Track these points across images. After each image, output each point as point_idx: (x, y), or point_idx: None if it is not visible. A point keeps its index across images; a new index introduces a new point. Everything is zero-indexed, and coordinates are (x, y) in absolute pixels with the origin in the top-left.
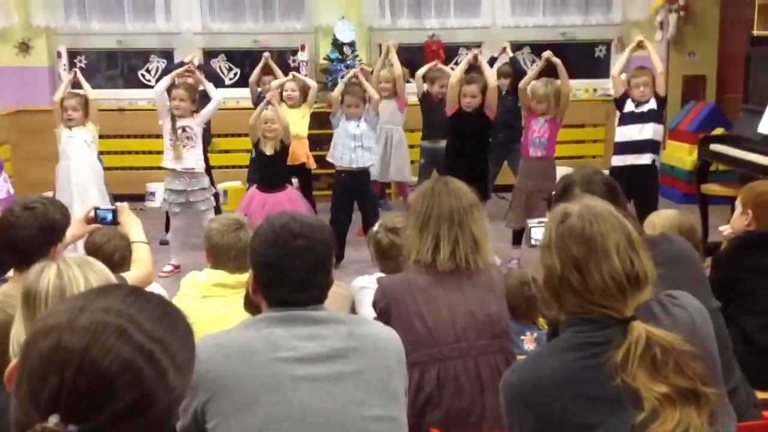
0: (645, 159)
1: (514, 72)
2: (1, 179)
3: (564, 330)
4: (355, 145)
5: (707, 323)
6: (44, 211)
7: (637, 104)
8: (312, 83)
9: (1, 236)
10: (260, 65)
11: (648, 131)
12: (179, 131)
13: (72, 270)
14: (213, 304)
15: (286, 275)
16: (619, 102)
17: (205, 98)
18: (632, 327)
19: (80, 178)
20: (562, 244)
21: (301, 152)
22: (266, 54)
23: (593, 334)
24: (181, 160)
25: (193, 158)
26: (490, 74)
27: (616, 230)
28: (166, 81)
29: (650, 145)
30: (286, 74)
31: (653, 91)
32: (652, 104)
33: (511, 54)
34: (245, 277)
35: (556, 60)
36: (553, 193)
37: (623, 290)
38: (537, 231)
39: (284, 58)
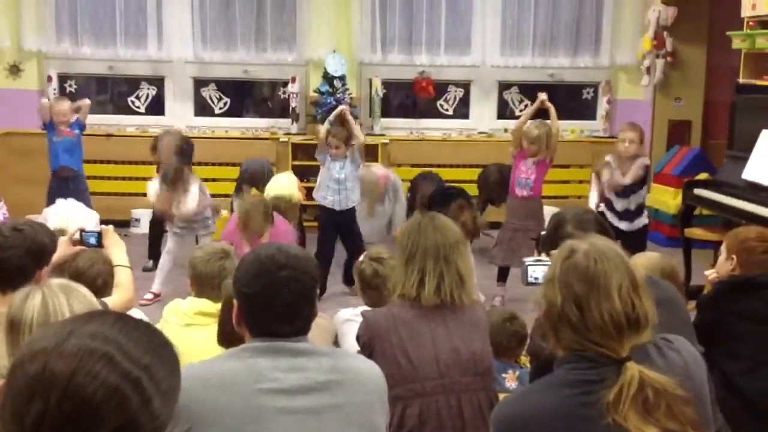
0: (639, 224)
1: None
2: None
3: (559, 366)
4: (339, 188)
5: (701, 369)
6: (33, 234)
7: (617, 197)
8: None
9: None
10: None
11: (634, 200)
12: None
13: (57, 297)
14: (195, 333)
15: (271, 306)
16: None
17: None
18: (626, 367)
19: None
20: (565, 280)
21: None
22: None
23: (587, 372)
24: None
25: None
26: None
27: (621, 271)
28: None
29: (639, 212)
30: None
31: (638, 149)
32: (632, 202)
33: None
34: None
35: (549, 104)
36: (543, 232)
37: (621, 330)
38: (534, 269)
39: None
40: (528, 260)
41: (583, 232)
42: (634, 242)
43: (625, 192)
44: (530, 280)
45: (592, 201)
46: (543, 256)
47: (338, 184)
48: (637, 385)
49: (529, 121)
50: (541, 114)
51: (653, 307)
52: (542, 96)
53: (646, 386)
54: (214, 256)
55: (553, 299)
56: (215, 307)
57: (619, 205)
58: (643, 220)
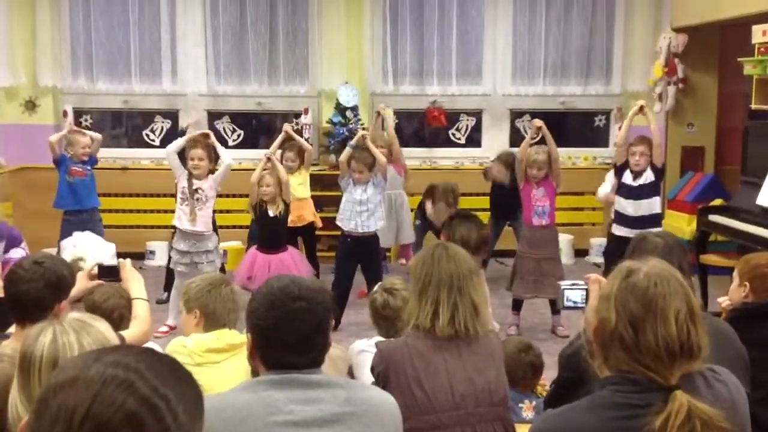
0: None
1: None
2: (21, 248)
3: (603, 387)
4: (361, 210)
5: (745, 403)
6: (53, 266)
7: (635, 177)
8: (308, 146)
9: (8, 289)
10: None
11: (647, 206)
12: (193, 193)
13: (67, 335)
14: (208, 372)
15: (285, 338)
16: (619, 169)
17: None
18: (674, 395)
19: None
20: (622, 299)
21: (307, 212)
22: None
23: (633, 396)
24: (194, 223)
25: (203, 221)
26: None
27: (679, 297)
28: (178, 142)
29: (655, 221)
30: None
31: (649, 162)
32: (650, 176)
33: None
34: (236, 338)
35: (546, 131)
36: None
37: (673, 357)
38: (571, 293)
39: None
40: (564, 284)
41: (668, 253)
42: None
43: (637, 193)
44: (567, 303)
45: (603, 190)
46: (578, 280)
47: (361, 205)
48: (685, 415)
49: (531, 149)
50: (539, 141)
51: (706, 338)
52: (538, 123)
53: (694, 417)
54: (215, 285)
55: (607, 317)
56: (224, 341)
57: (631, 208)
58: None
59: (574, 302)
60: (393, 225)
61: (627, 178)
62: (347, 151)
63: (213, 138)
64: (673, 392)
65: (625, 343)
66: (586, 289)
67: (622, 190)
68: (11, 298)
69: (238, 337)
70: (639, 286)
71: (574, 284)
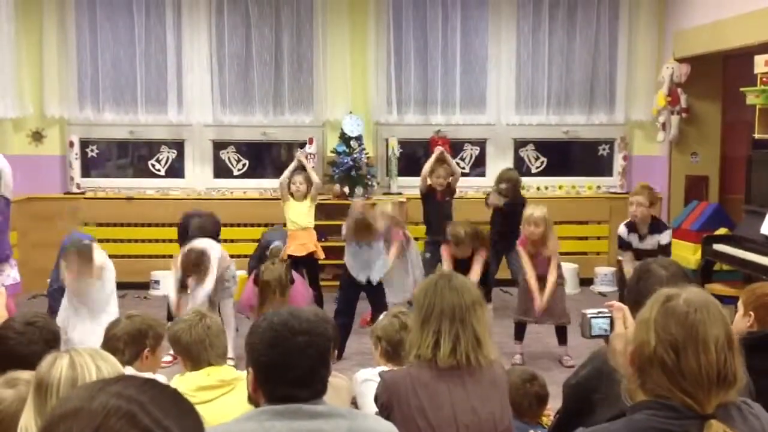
0: None
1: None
2: (10, 265)
3: (638, 411)
4: (362, 266)
5: None
6: (45, 324)
7: (641, 238)
8: (315, 179)
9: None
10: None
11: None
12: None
13: (84, 359)
14: (203, 411)
15: (289, 374)
16: (623, 243)
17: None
18: (710, 424)
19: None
20: (663, 323)
21: (309, 242)
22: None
23: (670, 422)
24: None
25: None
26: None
27: (719, 325)
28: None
29: (665, 250)
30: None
31: (649, 215)
32: (655, 238)
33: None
34: (229, 374)
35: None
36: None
37: (711, 385)
38: (598, 321)
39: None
40: (589, 312)
41: (674, 282)
42: None
43: (646, 252)
44: (595, 332)
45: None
46: (603, 308)
47: (364, 261)
48: None
49: (529, 206)
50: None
51: (742, 367)
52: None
53: None
54: (193, 322)
55: (646, 340)
56: (215, 378)
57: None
58: None
59: (606, 330)
60: (409, 279)
61: (633, 240)
62: (351, 224)
63: (177, 306)
64: (708, 421)
65: (666, 366)
66: (611, 317)
67: (636, 254)
68: (5, 359)
69: (230, 373)
70: (679, 311)
71: (599, 312)
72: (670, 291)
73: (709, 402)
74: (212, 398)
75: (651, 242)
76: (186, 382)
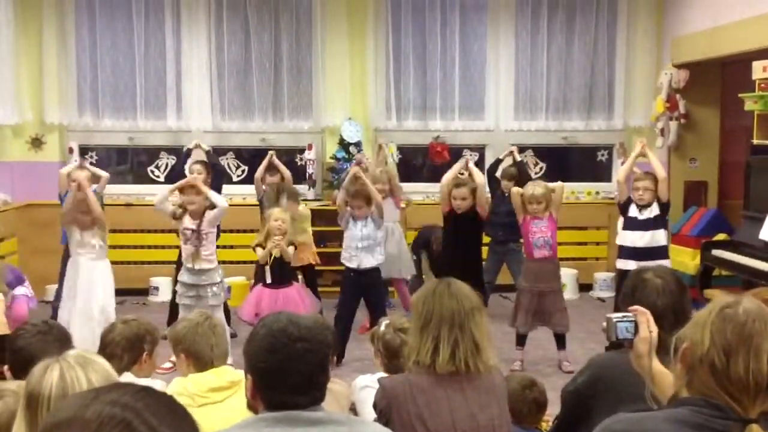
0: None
1: (520, 174)
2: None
3: (682, 405)
4: (360, 246)
5: None
6: (57, 326)
7: (641, 210)
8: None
9: (14, 354)
10: (265, 163)
11: (654, 238)
12: (192, 233)
13: (74, 371)
14: (213, 413)
15: (288, 380)
16: (623, 206)
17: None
18: (751, 428)
19: (88, 275)
20: (720, 326)
21: (306, 254)
22: (271, 152)
23: (714, 420)
24: (198, 262)
25: (206, 257)
26: (478, 175)
27: None
28: (164, 194)
29: (663, 251)
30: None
31: (655, 196)
32: (655, 210)
33: (519, 158)
34: (236, 374)
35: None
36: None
37: (759, 391)
38: (623, 325)
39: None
40: (614, 316)
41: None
42: None
43: (643, 225)
44: (621, 336)
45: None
46: (626, 313)
47: (362, 240)
48: None
49: (529, 183)
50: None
51: None
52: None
53: None
54: (198, 321)
55: (700, 340)
56: (225, 379)
57: (638, 240)
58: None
59: (633, 333)
60: (392, 256)
61: (633, 211)
62: (342, 192)
63: (202, 186)
64: (750, 425)
65: (715, 368)
66: (635, 321)
67: (628, 222)
68: (17, 363)
69: (238, 374)
70: (738, 319)
71: (624, 316)
72: (730, 300)
73: (753, 408)
74: (223, 398)
75: (648, 213)
76: (197, 384)
